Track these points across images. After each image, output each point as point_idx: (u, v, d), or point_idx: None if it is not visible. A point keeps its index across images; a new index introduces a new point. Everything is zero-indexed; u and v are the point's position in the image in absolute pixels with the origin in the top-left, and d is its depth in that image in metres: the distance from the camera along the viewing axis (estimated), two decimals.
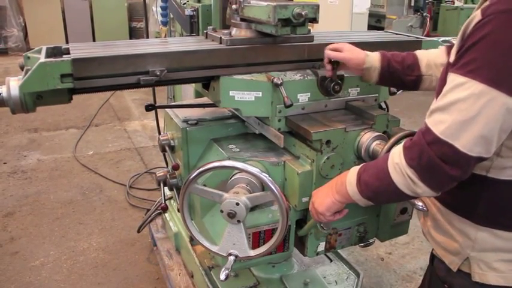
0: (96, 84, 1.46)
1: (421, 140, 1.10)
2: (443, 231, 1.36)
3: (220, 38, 1.69)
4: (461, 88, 1.05)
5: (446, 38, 2.11)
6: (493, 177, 1.21)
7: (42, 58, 1.40)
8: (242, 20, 1.71)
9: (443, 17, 8.17)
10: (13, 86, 1.40)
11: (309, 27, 1.68)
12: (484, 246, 1.27)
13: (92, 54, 1.48)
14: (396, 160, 1.15)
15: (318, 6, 1.55)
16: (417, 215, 1.58)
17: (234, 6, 1.71)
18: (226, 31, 1.75)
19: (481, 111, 1.02)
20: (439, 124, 1.07)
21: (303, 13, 1.50)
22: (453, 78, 1.08)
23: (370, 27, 7.73)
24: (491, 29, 1.02)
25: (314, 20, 1.56)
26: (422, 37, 2.06)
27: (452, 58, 1.15)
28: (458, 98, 1.05)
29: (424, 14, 7.59)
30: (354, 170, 1.32)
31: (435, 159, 1.07)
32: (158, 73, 1.48)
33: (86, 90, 1.52)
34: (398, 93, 2.01)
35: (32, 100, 1.45)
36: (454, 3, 8.07)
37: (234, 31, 1.74)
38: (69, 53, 1.50)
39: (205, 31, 1.87)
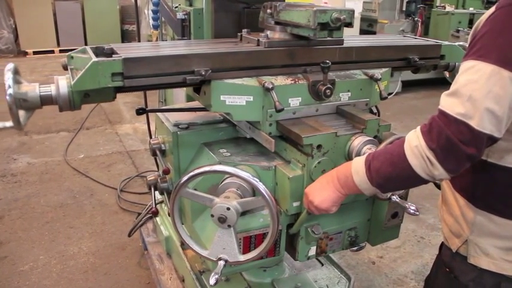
0: (143, 83, 1.51)
1: (438, 122, 1.14)
2: (452, 214, 1.42)
3: (258, 40, 1.76)
4: (473, 70, 1.12)
5: (461, 43, 2.12)
6: (492, 162, 1.28)
7: (93, 58, 1.43)
8: (276, 23, 1.77)
9: (434, 21, 8.23)
10: (62, 84, 1.45)
11: None
12: (481, 231, 1.33)
13: (140, 54, 1.55)
14: (415, 143, 1.17)
15: (353, 11, 1.63)
16: (437, 204, 1.61)
17: (268, 11, 1.78)
18: (262, 34, 1.80)
19: (492, 89, 1.08)
20: (453, 106, 1.12)
21: (341, 18, 1.57)
22: (464, 64, 1.15)
23: (362, 31, 7.78)
24: (500, 19, 1.12)
25: (350, 25, 1.63)
26: (442, 41, 2.10)
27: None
28: (471, 79, 1.12)
29: (416, 18, 7.64)
30: (359, 160, 1.32)
31: (453, 139, 1.10)
32: (203, 73, 1.54)
33: (132, 89, 1.57)
34: (389, 97, 2.01)
35: (79, 98, 1.48)
36: (445, 8, 8.13)
37: (268, 34, 1.79)
38: (112, 53, 1.55)
39: (239, 34, 1.94)
